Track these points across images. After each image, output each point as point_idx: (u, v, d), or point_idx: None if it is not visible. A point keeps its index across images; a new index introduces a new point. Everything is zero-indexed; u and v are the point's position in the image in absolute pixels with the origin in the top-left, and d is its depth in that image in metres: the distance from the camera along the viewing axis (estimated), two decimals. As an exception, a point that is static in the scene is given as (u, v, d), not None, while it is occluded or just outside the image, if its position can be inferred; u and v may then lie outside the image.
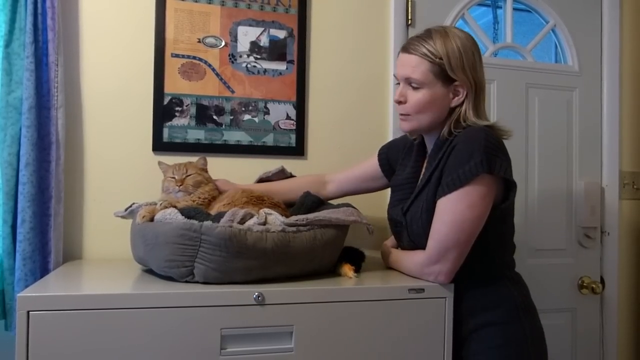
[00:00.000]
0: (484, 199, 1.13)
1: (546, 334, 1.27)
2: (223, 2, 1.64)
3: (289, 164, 1.62)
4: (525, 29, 2.14)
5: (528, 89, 1.92)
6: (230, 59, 1.65)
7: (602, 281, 1.97)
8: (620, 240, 2.00)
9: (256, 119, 1.67)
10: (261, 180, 1.56)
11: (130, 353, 1.02)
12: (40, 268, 1.39)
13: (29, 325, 0.97)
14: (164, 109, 1.59)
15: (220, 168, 1.54)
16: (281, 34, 1.69)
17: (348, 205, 1.39)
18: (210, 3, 1.63)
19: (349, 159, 1.69)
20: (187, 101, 1.61)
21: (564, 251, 1.95)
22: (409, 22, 1.80)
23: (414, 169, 1.34)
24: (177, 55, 1.60)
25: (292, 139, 1.70)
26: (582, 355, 1.94)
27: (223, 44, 1.64)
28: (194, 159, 1.44)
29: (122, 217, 1.30)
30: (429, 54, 1.20)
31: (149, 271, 1.26)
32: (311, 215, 1.23)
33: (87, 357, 1.00)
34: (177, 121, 1.60)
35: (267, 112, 1.68)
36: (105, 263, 1.44)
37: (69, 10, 1.53)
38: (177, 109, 1.60)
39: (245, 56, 1.66)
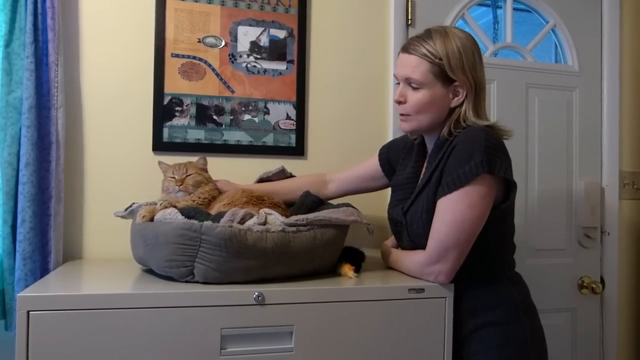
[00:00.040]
0: (484, 199, 1.13)
1: (546, 334, 1.27)
2: (223, 2, 1.64)
3: (289, 164, 1.62)
4: (525, 29, 2.14)
5: (528, 89, 1.92)
6: (230, 58, 1.65)
7: (602, 281, 1.97)
8: (621, 240, 2.00)
9: (256, 119, 1.67)
10: (261, 180, 1.56)
11: (130, 353, 1.02)
12: (40, 268, 1.39)
13: (29, 325, 0.97)
14: (164, 109, 1.59)
15: (220, 168, 1.54)
16: (281, 34, 1.69)
17: (348, 205, 1.38)
18: (210, 3, 1.63)
19: (349, 159, 1.69)
20: (187, 101, 1.61)
21: (564, 251, 1.95)
22: (409, 22, 1.80)
23: (414, 168, 1.34)
24: (177, 55, 1.60)
25: (292, 139, 1.70)
26: (582, 355, 1.94)
27: (223, 43, 1.64)
28: (194, 158, 1.44)
29: (122, 217, 1.30)
30: (428, 54, 1.20)
31: (149, 271, 1.26)
32: (311, 215, 1.23)
33: (87, 357, 1.00)
34: (177, 121, 1.60)
35: (267, 112, 1.68)
36: (105, 263, 1.44)
37: (69, 10, 1.53)
38: (177, 108, 1.60)
39: (245, 56, 1.66)
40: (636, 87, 2.04)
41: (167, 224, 1.13)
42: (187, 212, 1.16)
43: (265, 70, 1.68)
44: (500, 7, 2.03)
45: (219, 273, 1.11)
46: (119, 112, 1.57)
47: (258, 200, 1.32)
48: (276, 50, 1.69)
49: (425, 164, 1.32)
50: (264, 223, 1.17)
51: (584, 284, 1.94)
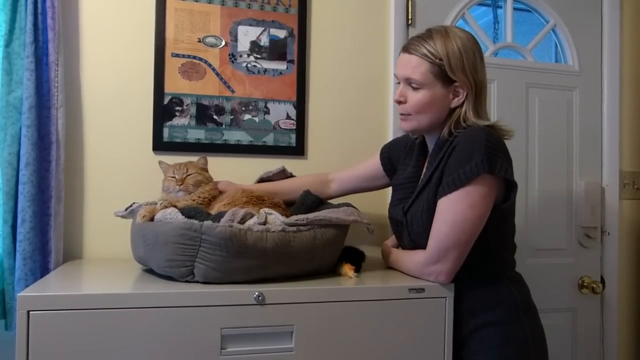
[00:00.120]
0: (484, 199, 1.13)
1: (546, 333, 1.27)
2: (223, 1, 1.64)
3: (289, 163, 1.62)
4: (526, 29, 2.14)
5: (528, 88, 1.92)
6: (230, 58, 1.65)
7: (603, 281, 1.97)
8: (621, 240, 2.00)
9: (256, 119, 1.67)
10: (262, 180, 1.56)
11: (130, 353, 1.02)
12: (41, 268, 1.39)
13: (29, 325, 0.97)
14: (164, 109, 1.59)
15: (221, 168, 1.54)
16: (281, 34, 1.69)
17: (348, 204, 1.39)
18: (210, 3, 1.63)
19: (349, 159, 1.69)
20: (187, 101, 1.61)
21: (564, 251, 1.95)
22: (409, 22, 1.80)
23: (415, 168, 1.34)
24: (177, 55, 1.60)
25: (292, 139, 1.70)
26: (582, 355, 1.94)
27: (223, 43, 1.64)
28: (194, 158, 1.44)
29: (122, 216, 1.30)
30: (429, 54, 1.20)
31: (149, 271, 1.26)
32: (311, 215, 1.23)
33: (87, 357, 1.00)
34: (177, 121, 1.60)
35: (267, 112, 1.68)
36: (106, 263, 1.44)
37: (69, 9, 1.52)
38: (177, 108, 1.60)
39: (246, 56, 1.66)
40: (636, 87, 2.04)
41: (167, 224, 1.13)
42: (187, 212, 1.16)
43: (265, 70, 1.68)
44: (501, 7, 2.03)
45: (219, 273, 1.11)
46: (119, 112, 1.56)
47: (258, 200, 1.32)
48: (276, 50, 1.69)
49: (426, 164, 1.32)
50: (264, 223, 1.17)
51: (584, 284, 1.94)
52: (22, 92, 1.38)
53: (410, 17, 1.80)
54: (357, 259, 1.32)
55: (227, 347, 1.07)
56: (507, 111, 1.86)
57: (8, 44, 1.40)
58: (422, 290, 1.18)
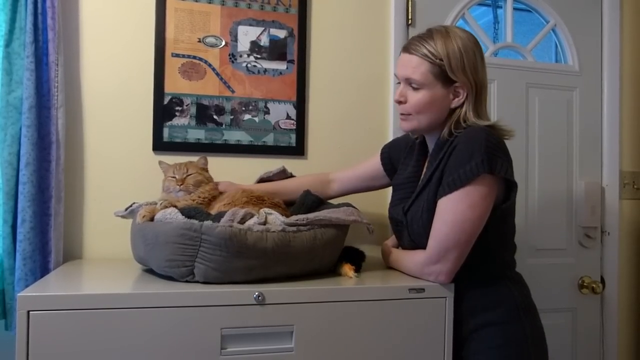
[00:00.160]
0: (484, 199, 1.13)
1: (546, 333, 1.27)
2: (223, 1, 1.64)
3: (289, 163, 1.62)
4: (526, 29, 2.14)
5: (528, 88, 1.92)
6: (230, 58, 1.65)
7: (603, 281, 1.97)
8: (621, 240, 2.00)
9: (256, 119, 1.67)
10: (262, 180, 1.56)
11: (130, 353, 1.02)
12: (41, 268, 1.39)
13: (29, 325, 0.97)
14: (164, 109, 1.59)
15: (221, 168, 1.54)
16: (281, 34, 1.69)
17: (348, 204, 1.39)
18: (210, 3, 1.63)
19: (349, 159, 1.69)
20: (187, 101, 1.61)
21: (565, 251, 1.95)
22: (409, 22, 1.80)
23: (415, 168, 1.34)
24: (177, 55, 1.60)
25: (292, 139, 1.70)
26: (582, 355, 1.94)
27: (223, 43, 1.64)
28: (194, 158, 1.44)
29: (122, 216, 1.30)
30: (429, 54, 1.19)
31: (149, 271, 1.26)
32: (311, 215, 1.23)
33: (87, 357, 1.00)
34: (177, 121, 1.60)
35: (267, 112, 1.68)
36: (106, 263, 1.44)
37: (69, 9, 1.52)
38: (177, 108, 1.60)
39: (246, 56, 1.66)
40: (636, 87, 2.04)
41: (168, 224, 1.13)
42: (187, 212, 1.16)
43: (265, 70, 1.68)
44: (501, 7, 2.03)
45: (219, 273, 1.11)
46: (119, 112, 1.56)
47: (258, 200, 1.32)
48: (276, 50, 1.69)
49: (426, 164, 1.32)
50: (264, 223, 1.17)
51: (584, 284, 1.94)
52: (22, 92, 1.38)
53: (410, 17, 1.80)
54: (357, 259, 1.32)
55: (227, 347, 1.07)
56: (507, 111, 1.86)
57: (8, 44, 1.40)
58: (422, 290, 1.18)
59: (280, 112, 1.69)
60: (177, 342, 1.04)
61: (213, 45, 1.63)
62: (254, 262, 1.12)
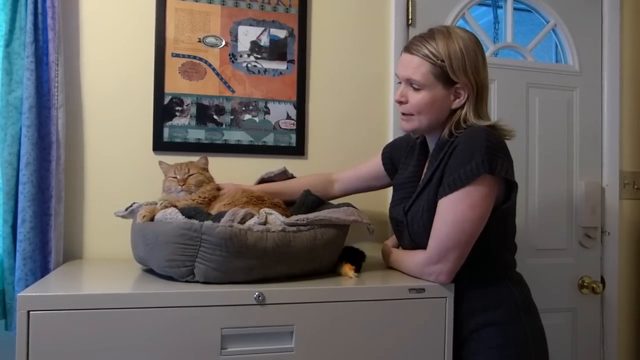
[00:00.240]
0: (485, 200, 1.13)
1: (546, 333, 1.27)
2: (223, 1, 1.64)
3: (290, 163, 1.62)
4: (526, 29, 2.14)
5: (528, 88, 1.92)
6: (230, 58, 1.65)
7: (603, 281, 1.97)
8: (621, 240, 2.00)
9: (256, 119, 1.67)
10: (263, 180, 1.55)
11: (130, 353, 1.02)
12: (41, 268, 1.39)
13: (29, 325, 0.97)
14: (164, 109, 1.59)
15: (221, 168, 1.54)
16: (281, 34, 1.69)
17: (348, 204, 1.39)
18: (210, 3, 1.63)
19: (349, 159, 1.69)
20: (187, 101, 1.61)
21: (565, 251, 1.95)
22: (410, 22, 1.80)
23: (416, 168, 1.34)
24: (177, 55, 1.60)
25: (293, 139, 1.70)
26: (583, 355, 1.94)
27: (223, 43, 1.64)
28: (194, 158, 1.44)
29: (123, 216, 1.30)
30: (430, 55, 1.19)
31: (149, 271, 1.26)
32: (311, 215, 1.23)
33: (87, 357, 1.00)
34: (178, 121, 1.60)
35: (267, 112, 1.68)
36: (106, 263, 1.44)
37: (69, 9, 1.52)
38: (177, 108, 1.60)
39: (246, 56, 1.66)
40: (636, 87, 2.04)
41: (168, 224, 1.13)
42: (187, 212, 1.16)
43: (265, 70, 1.68)
44: (501, 7, 2.03)
45: (219, 273, 1.11)
46: (119, 112, 1.56)
47: (258, 200, 1.32)
48: (276, 50, 1.69)
49: (426, 164, 1.32)
50: (265, 223, 1.17)
51: (585, 284, 1.94)
52: (22, 92, 1.38)
53: (410, 17, 1.80)
54: (357, 259, 1.32)
55: (227, 347, 1.07)
56: (507, 111, 1.86)
57: (8, 43, 1.40)
58: (422, 290, 1.18)
59: (281, 112, 1.69)
60: (177, 342, 1.04)
61: (213, 45, 1.63)
62: (254, 262, 1.12)
